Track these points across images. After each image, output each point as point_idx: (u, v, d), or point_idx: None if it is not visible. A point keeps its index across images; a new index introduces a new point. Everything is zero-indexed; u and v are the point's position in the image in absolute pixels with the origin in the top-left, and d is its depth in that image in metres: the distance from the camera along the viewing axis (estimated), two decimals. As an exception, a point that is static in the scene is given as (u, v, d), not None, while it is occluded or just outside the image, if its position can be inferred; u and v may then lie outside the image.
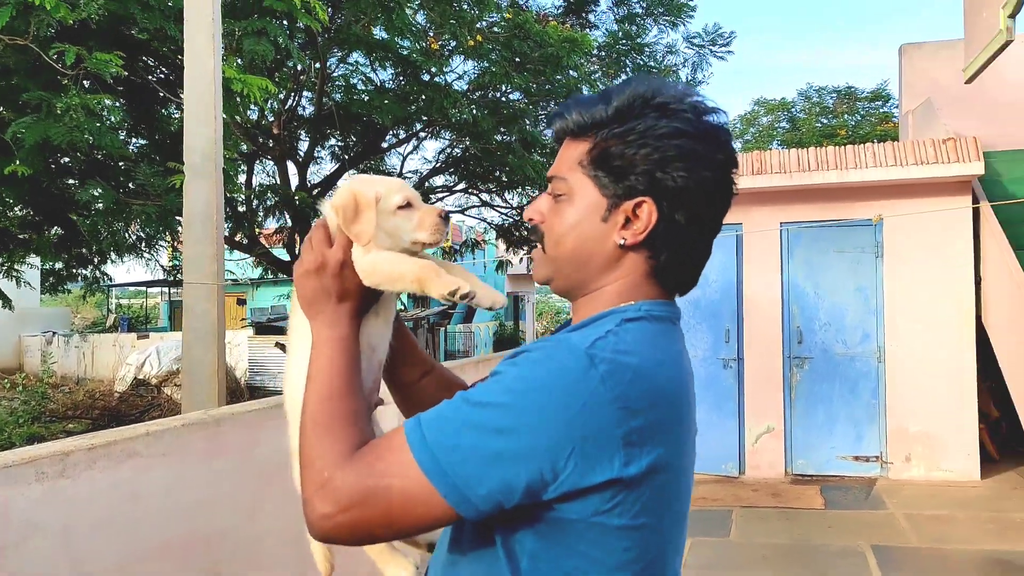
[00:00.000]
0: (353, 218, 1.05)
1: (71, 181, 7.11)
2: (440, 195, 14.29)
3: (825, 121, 22.89)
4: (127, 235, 7.71)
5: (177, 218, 7.04)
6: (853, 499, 6.09)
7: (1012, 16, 5.55)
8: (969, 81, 6.50)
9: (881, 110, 22.16)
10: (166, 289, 27.15)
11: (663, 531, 0.93)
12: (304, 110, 11.59)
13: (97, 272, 9.74)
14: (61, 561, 2.44)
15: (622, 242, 0.99)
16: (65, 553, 2.46)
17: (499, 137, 11.41)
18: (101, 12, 4.99)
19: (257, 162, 11.59)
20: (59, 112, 5.01)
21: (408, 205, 1.09)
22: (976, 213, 6.56)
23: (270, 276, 13.61)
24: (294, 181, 11.77)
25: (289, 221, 12.08)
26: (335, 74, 10.86)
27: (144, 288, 27.36)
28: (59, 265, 8.99)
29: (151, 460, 2.79)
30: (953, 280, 6.57)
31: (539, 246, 1.07)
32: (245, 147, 10.55)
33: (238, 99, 5.95)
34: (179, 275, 11.19)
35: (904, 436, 6.61)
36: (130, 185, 6.95)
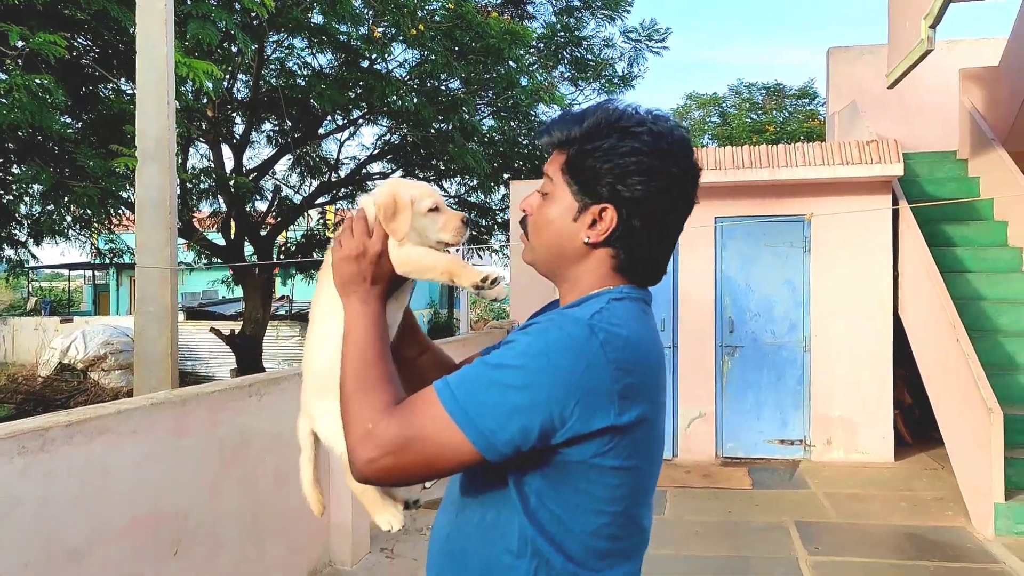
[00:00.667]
0: (392, 216, 1.22)
1: (2, 161, 6.88)
2: (378, 182, 14.22)
3: (755, 117, 23.51)
4: (65, 217, 7.50)
5: (119, 200, 6.92)
6: (778, 480, 6.45)
7: (933, 27, 5.94)
8: (892, 86, 6.92)
9: (808, 107, 22.90)
10: (90, 272, 26.19)
11: (644, 473, 1.13)
12: (239, 93, 11.35)
13: (23, 253, 9.41)
14: (39, 534, 2.49)
15: (587, 240, 1.17)
16: (43, 526, 2.50)
17: (438, 125, 11.43)
18: (46, -8, 4.86)
19: (191, 146, 11.32)
20: (1, 92, 4.87)
21: (436, 209, 1.26)
22: (896, 212, 6.99)
23: (203, 261, 13.33)
24: (228, 165, 11.56)
25: (223, 205, 11.86)
26: (272, 57, 10.68)
27: (64, 271, 26.33)
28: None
29: (121, 437, 2.84)
30: (873, 274, 6.98)
31: (527, 235, 1.26)
32: (179, 130, 10.31)
33: (187, 84, 5.86)
34: (116, 258, 10.91)
35: (826, 421, 7.02)
36: (65, 170, 6.78)
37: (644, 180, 1.14)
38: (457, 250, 1.37)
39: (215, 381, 5.38)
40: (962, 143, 8.25)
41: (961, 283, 6.72)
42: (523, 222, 1.27)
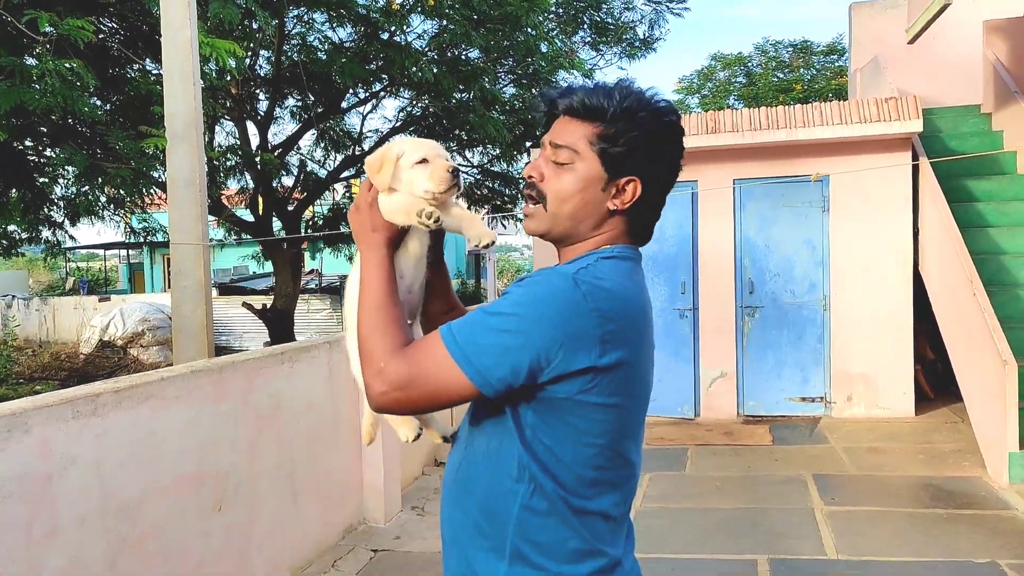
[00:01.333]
0: (377, 170, 1.38)
1: (36, 145, 7.13)
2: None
3: (782, 75, 23.10)
4: (100, 197, 7.76)
5: (150, 180, 7.14)
6: (799, 436, 6.57)
7: (950, -20, 5.89)
8: (912, 41, 6.87)
9: (836, 64, 22.43)
10: (124, 252, 26.78)
11: (628, 410, 1.27)
12: (261, 70, 11.49)
13: (60, 234, 9.73)
14: (94, 490, 2.72)
15: (614, 208, 1.32)
16: (98, 484, 2.73)
17: (459, 95, 11.48)
18: (73, -21, 5.03)
19: (217, 124, 11.51)
20: (34, 78, 5.07)
21: (424, 161, 1.39)
22: (916, 168, 6.97)
23: (233, 237, 13.60)
24: (254, 141, 11.74)
25: (251, 182, 12.08)
26: (293, 32, 10.78)
27: (100, 251, 26.95)
28: (11, 228, 8.95)
29: (166, 402, 3.06)
30: (893, 232, 7.00)
31: (539, 204, 1.35)
32: (204, 110, 10.48)
33: (211, 63, 6.01)
34: (149, 237, 11.22)
35: (846, 378, 7.10)
36: (97, 151, 7.00)
37: (667, 160, 1.33)
38: (483, 218, 1.50)
39: (245, 352, 5.62)
40: (986, 97, 8.15)
41: (982, 238, 6.71)
42: (530, 188, 1.35)
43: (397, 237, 1.41)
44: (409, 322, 1.43)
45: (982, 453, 5.49)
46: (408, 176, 1.39)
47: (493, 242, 1.45)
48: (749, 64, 24.07)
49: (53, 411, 2.60)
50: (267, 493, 3.83)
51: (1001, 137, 7.74)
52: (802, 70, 22.96)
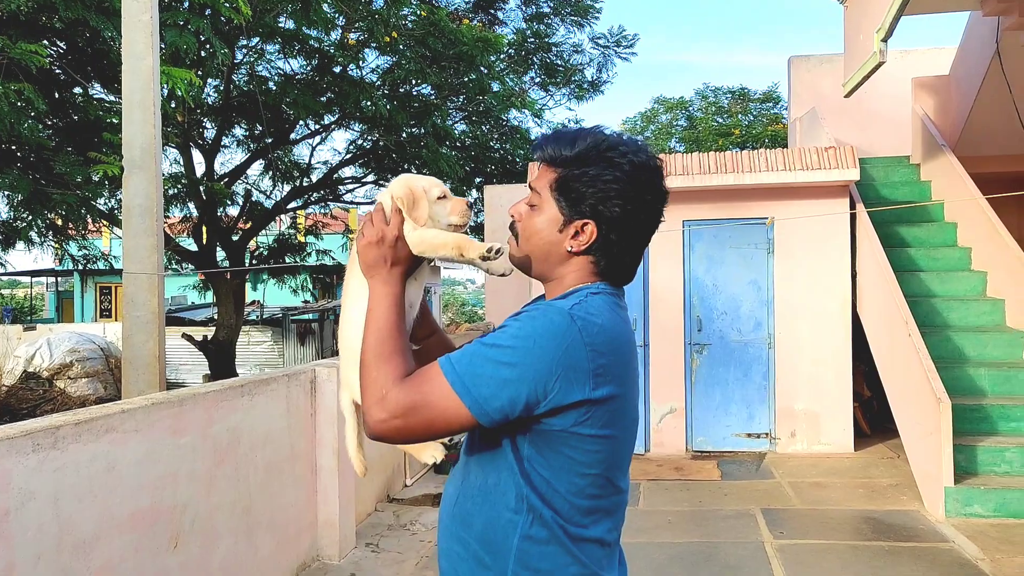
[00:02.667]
0: (412, 205, 1.42)
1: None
2: (350, 187, 14.30)
3: (721, 120, 23.93)
4: (38, 223, 7.52)
5: (94, 209, 6.96)
6: (746, 471, 6.73)
7: (885, 40, 6.26)
8: (848, 95, 7.24)
9: (772, 111, 23.37)
10: (53, 279, 25.79)
11: (619, 440, 1.33)
12: (209, 98, 11.37)
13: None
14: (51, 526, 2.63)
15: (570, 249, 1.38)
16: (55, 519, 2.65)
17: (410, 130, 11.57)
18: (29, 4, 4.95)
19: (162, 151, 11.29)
20: (-18, 101, 4.94)
21: (444, 196, 1.47)
22: (854, 215, 7.32)
23: (173, 266, 13.29)
24: (199, 170, 11.56)
25: (194, 210, 11.86)
26: (243, 61, 10.72)
27: (24, 278, 25.90)
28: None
29: (125, 435, 2.99)
30: (833, 274, 7.31)
31: (515, 239, 1.44)
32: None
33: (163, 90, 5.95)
34: (88, 264, 10.88)
35: (790, 414, 7.32)
36: (36, 174, 6.81)
37: (621, 203, 1.34)
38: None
39: (202, 384, 5.49)
40: (915, 148, 8.63)
41: (914, 281, 7.07)
42: (512, 226, 1.45)
43: (411, 270, 1.45)
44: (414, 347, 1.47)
45: (919, 488, 5.73)
46: (433, 211, 1.45)
47: (506, 273, 1.50)
48: (690, 108, 24.86)
49: (14, 443, 2.52)
50: (223, 529, 3.74)
51: (929, 187, 8.20)
52: (740, 116, 23.80)
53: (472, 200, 14.10)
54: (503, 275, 1.49)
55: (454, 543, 1.38)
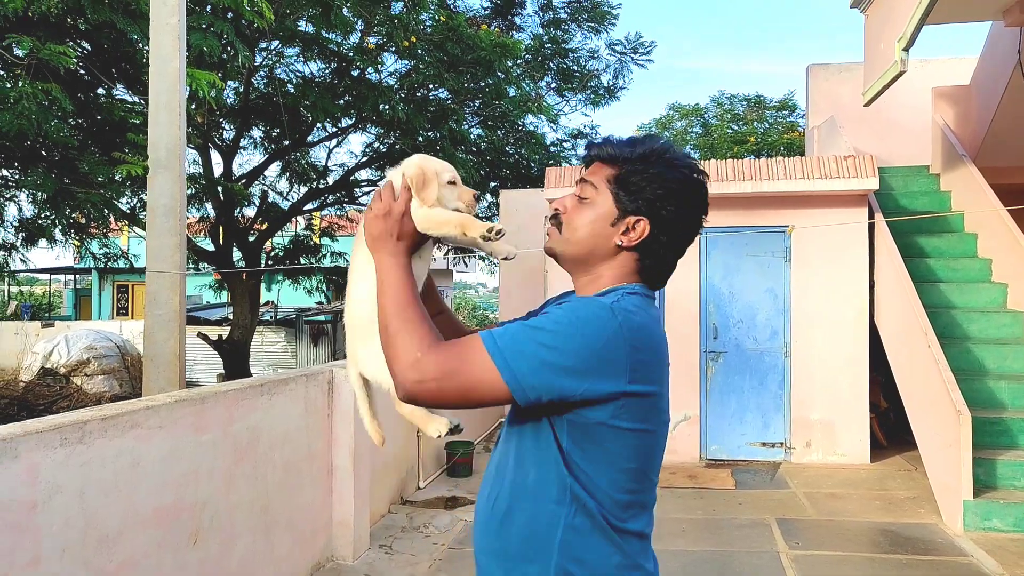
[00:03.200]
0: (423, 185, 1.45)
1: None
2: (366, 189, 14.37)
3: (736, 128, 23.86)
4: (61, 221, 7.61)
5: (116, 208, 7.03)
6: (760, 480, 6.70)
7: (906, 49, 6.24)
8: (868, 104, 7.22)
9: (788, 119, 23.27)
10: (71, 277, 26.03)
11: (656, 435, 1.36)
12: (228, 99, 11.46)
13: (14, 257, 9.45)
14: (77, 520, 2.66)
15: (620, 243, 1.41)
16: (81, 513, 2.68)
17: (427, 134, 11.62)
18: (59, 6, 5.01)
19: (183, 150, 11.37)
20: (11, 101, 5.00)
21: (454, 182, 1.50)
22: (872, 225, 7.28)
23: (191, 266, 13.38)
24: (217, 170, 11.65)
25: (212, 211, 11.95)
26: (262, 64, 10.80)
27: (43, 275, 26.16)
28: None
29: (150, 431, 3.02)
30: (850, 283, 7.27)
31: (557, 229, 1.47)
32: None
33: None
34: (109, 262, 10.98)
35: (805, 424, 7.29)
36: (61, 174, 6.89)
37: (676, 204, 1.39)
38: (446, 253, 1.58)
39: (224, 383, 5.53)
40: (934, 158, 8.58)
41: (933, 292, 7.02)
42: (555, 218, 1.48)
43: (416, 246, 1.47)
44: None
45: (937, 501, 5.68)
46: (442, 194, 1.48)
47: (510, 256, 1.53)
48: (705, 115, 24.80)
49: (43, 437, 2.55)
50: (241, 526, 3.76)
51: (949, 197, 8.15)
52: (756, 123, 23.72)
53: (487, 203, 14.16)
54: (506, 259, 1.52)
55: (494, 540, 1.39)
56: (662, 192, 1.38)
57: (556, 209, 1.48)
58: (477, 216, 1.52)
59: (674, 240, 1.42)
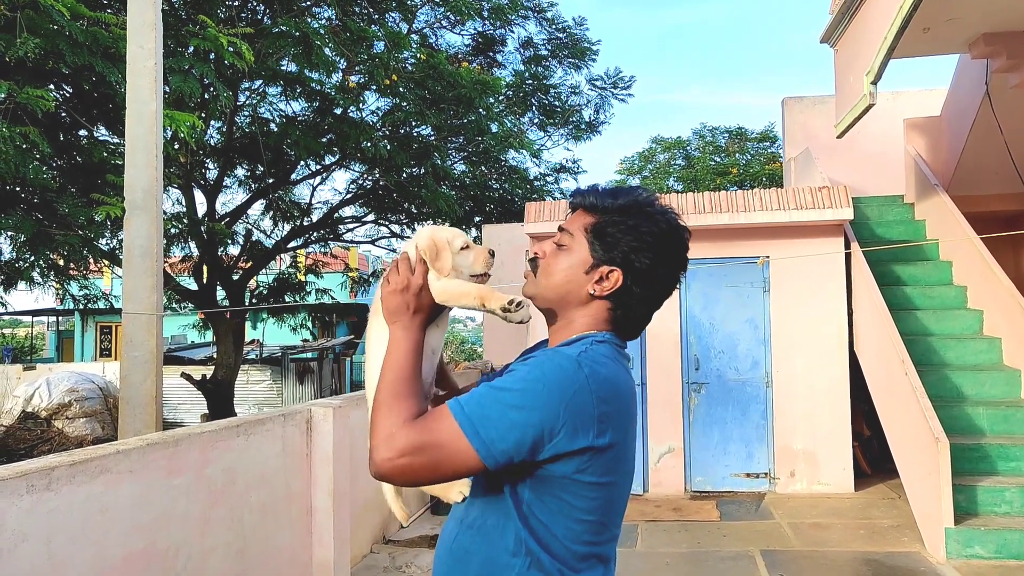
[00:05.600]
0: (436, 256, 1.47)
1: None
2: (350, 226, 14.42)
3: (719, 159, 24.11)
4: (40, 263, 7.58)
5: (96, 249, 7.03)
6: (745, 511, 6.67)
7: (874, 83, 6.38)
8: (840, 136, 7.35)
9: (769, 150, 23.54)
10: (54, 318, 25.82)
11: (618, 486, 1.35)
12: (211, 139, 11.52)
13: (-5, 301, 9.39)
14: (44, 568, 2.62)
15: (593, 292, 1.42)
16: (48, 562, 2.63)
17: (410, 170, 11.71)
18: (37, 50, 5.06)
19: (164, 191, 11.40)
20: (-12, 144, 5.02)
21: (467, 247, 1.52)
22: (848, 253, 7.37)
23: (181, 306, 13.34)
24: (201, 209, 11.67)
25: (195, 250, 11.95)
26: (245, 104, 10.89)
27: (25, 317, 25.92)
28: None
29: (120, 476, 2.99)
30: (829, 312, 7.33)
31: (534, 273, 1.50)
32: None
33: (166, 132, 6.05)
34: (89, 304, 10.91)
35: (789, 454, 7.28)
36: (40, 215, 6.88)
37: (651, 257, 1.40)
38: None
39: (199, 424, 5.48)
40: (908, 188, 8.72)
41: (910, 320, 7.09)
42: (533, 262, 1.50)
43: (432, 318, 1.49)
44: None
45: (919, 528, 5.68)
46: (457, 261, 1.50)
47: (525, 320, 1.51)
48: (688, 147, 25.05)
49: (8, 484, 2.52)
50: (216, 571, 3.71)
51: (924, 226, 8.27)
52: (738, 155, 23.98)
53: (472, 238, 14.21)
54: (521, 323, 1.51)
55: None
56: (636, 244, 1.39)
57: (535, 254, 1.50)
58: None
59: (648, 292, 1.43)
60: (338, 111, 10.49)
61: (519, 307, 1.46)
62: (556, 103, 14.24)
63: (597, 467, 1.28)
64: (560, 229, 1.49)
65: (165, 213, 11.44)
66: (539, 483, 1.29)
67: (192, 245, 11.93)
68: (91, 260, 7.61)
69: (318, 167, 12.31)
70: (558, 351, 1.33)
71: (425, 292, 1.46)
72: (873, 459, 7.86)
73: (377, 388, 1.37)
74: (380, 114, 11.27)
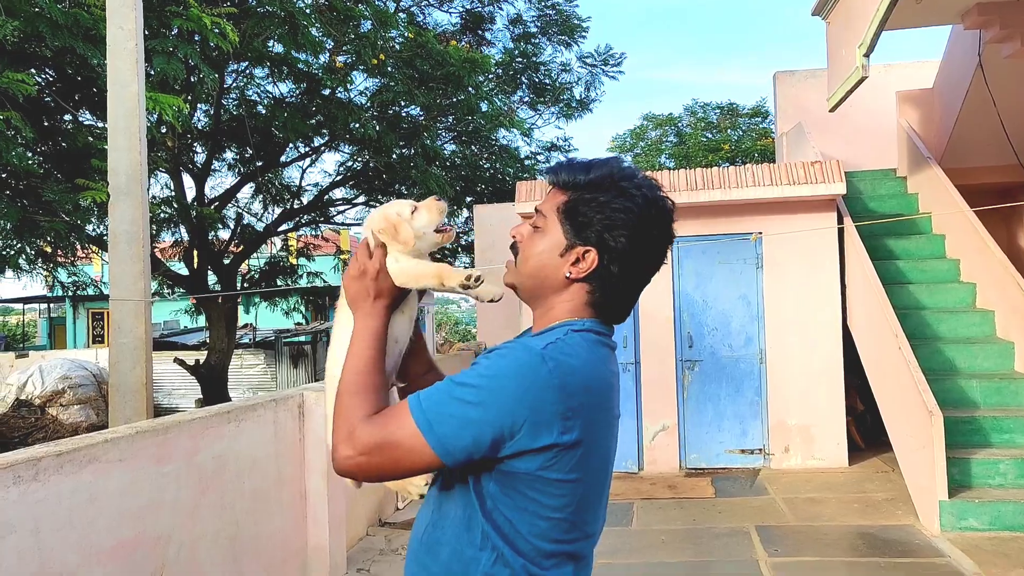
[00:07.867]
0: (396, 232, 1.41)
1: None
2: (341, 208, 14.32)
3: (710, 136, 24.04)
4: (27, 250, 7.50)
5: (84, 235, 6.94)
6: (740, 488, 6.69)
7: (867, 55, 6.31)
8: (832, 110, 7.28)
9: (761, 126, 23.48)
10: (45, 306, 25.69)
11: (587, 484, 1.28)
12: (199, 122, 11.39)
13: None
14: (32, 559, 2.59)
15: (568, 275, 1.34)
16: (36, 552, 2.61)
17: (400, 151, 11.61)
18: (16, 33, 4.95)
19: (152, 175, 11.30)
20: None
21: (415, 209, 1.45)
22: (841, 228, 7.34)
23: (171, 292, 13.26)
24: (190, 194, 11.56)
25: (185, 235, 11.86)
26: (232, 86, 10.75)
27: (16, 305, 25.80)
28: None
29: (109, 465, 2.95)
30: (822, 288, 7.32)
31: (514, 261, 1.42)
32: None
33: (152, 116, 5.96)
34: (77, 291, 10.84)
35: (783, 430, 7.30)
36: (27, 205, 6.79)
37: (627, 235, 1.31)
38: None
39: (189, 411, 5.45)
40: (900, 161, 8.68)
41: (903, 294, 7.08)
42: (513, 248, 1.42)
43: (396, 302, 1.44)
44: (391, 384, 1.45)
45: (913, 502, 5.70)
46: (415, 228, 1.43)
47: (496, 299, 1.47)
48: (679, 124, 24.96)
49: (-7, 476, 2.48)
50: (208, 558, 3.69)
51: (916, 199, 8.24)
52: (729, 131, 23.90)
53: (463, 219, 14.15)
54: (492, 301, 1.46)
55: (420, 570, 1.35)
56: (609, 222, 1.31)
57: (513, 237, 1.43)
58: (456, 236, 1.47)
59: (628, 271, 1.34)
60: (326, 92, 10.37)
61: (478, 281, 1.40)
62: (546, 81, 14.10)
63: (564, 464, 1.22)
64: (536, 211, 1.42)
65: (154, 198, 11.36)
66: (504, 478, 1.24)
67: (182, 230, 11.84)
68: (78, 246, 7.52)
69: (307, 149, 12.19)
70: (523, 343, 1.27)
71: (384, 276, 1.41)
72: (867, 433, 7.88)
73: (340, 381, 1.33)
74: (368, 94, 11.15)
